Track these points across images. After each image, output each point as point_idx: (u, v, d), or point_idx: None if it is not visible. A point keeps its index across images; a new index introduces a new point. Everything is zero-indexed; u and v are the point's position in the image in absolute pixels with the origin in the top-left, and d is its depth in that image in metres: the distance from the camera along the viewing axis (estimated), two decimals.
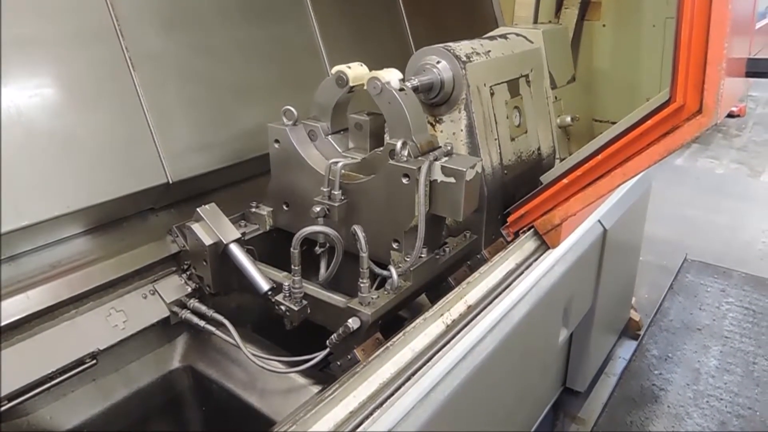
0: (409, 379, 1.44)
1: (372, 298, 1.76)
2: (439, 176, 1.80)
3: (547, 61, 2.84)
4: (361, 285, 1.73)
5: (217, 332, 2.07)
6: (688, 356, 3.74)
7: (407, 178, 1.79)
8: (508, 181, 2.51)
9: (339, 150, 2.05)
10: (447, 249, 2.07)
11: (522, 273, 1.89)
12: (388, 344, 1.46)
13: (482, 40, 2.50)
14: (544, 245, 2.05)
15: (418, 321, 1.53)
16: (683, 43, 1.56)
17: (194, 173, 2.16)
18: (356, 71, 1.96)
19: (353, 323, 1.71)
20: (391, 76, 1.90)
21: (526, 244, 1.99)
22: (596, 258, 2.96)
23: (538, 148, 2.75)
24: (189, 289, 2.21)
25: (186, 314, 2.15)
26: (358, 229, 1.74)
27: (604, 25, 3.68)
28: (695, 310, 4.19)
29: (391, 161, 1.81)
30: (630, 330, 4.12)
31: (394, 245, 1.91)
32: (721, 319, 4.10)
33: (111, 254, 2.06)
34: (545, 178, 2.36)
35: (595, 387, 3.49)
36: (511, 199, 2.39)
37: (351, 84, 1.94)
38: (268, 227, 2.28)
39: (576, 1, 3.63)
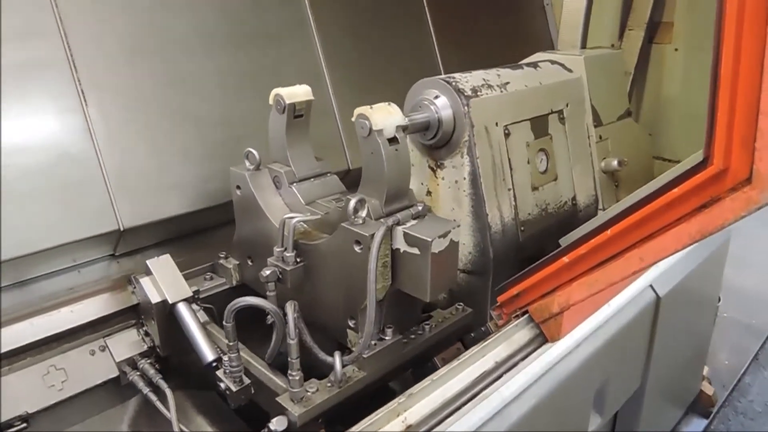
0: None
1: (307, 392, 1.42)
2: (401, 245, 1.44)
3: (590, 94, 2.38)
4: (290, 378, 1.39)
5: (157, 403, 1.80)
6: None
7: (359, 246, 1.44)
8: (526, 238, 2.09)
9: (302, 201, 1.74)
10: (427, 327, 1.69)
11: (499, 377, 1.45)
12: None
13: (502, 69, 2.11)
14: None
15: None
16: (723, 80, 1.12)
17: (150, 219, 1.92)
18: (292, 90, 1.67)
19: (278, 425, 1.38)
20: (386, 120, 1.49)
21: (517, 334, 1.56)
22: (646, 331, 2.43)
23: (573, 198, 2.31)
24: (145, 347, 1.98)
25: (134, 376, 1.91)
26: (289, 308, 1.41)
27: (676, 49, 3.14)
28: None
29: (343, 223, 1.47)
30: (701, 404, 3.48)
31: (351, 323, 1.56)
32: None
33: (54, 306, 1.86)
34: (565, 240, 1.92)
35: None
36: (530, 261, 1.97)
37: (288, 102, 1.64)
38: (234, 282, 2.00)
39: (642, 21, 3.13)
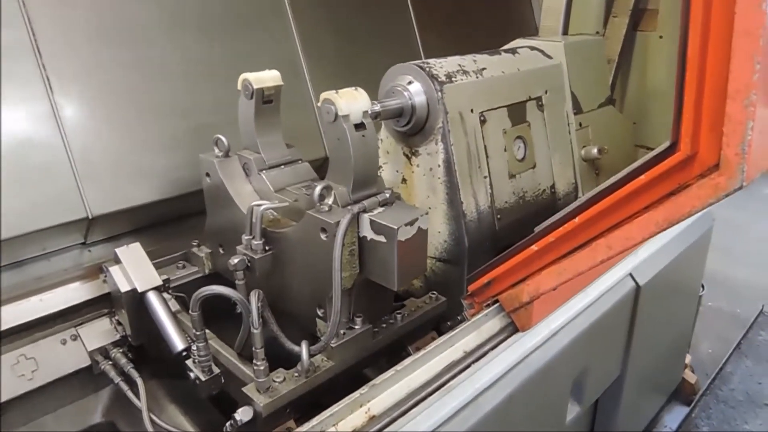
0: None
1: (274, 382, 1.41)
2: (368, 233, 1.42)
3: (570, 81, 2.36)
4: (255, 368, 1.38)
5: (128, 392, 1.78)
6: None
7: (325, 233, 1.42)
8: (503, 227, 2.07)
9: (271, 188, 1.71)
10: (399, 316, 1.68)
11: (467, 367, 1.44)
12: None
13: (479, 55, 2.08)
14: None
15: None
16: (691, 62, 1.10)
17: (119, 207, 1.89)
18: (260, 75, 1.64)
19: (243, 414, 1.36)
20: (352, 106, 1.45)
21: (487, 323, 1.54)
22: (625, 320, 2.43)
23: (552, 186, 2.29)
24: (117, 336, 1.96)
25: (106, 365, 1.89)
26: (253, 297, 1.39)
27: (660, 37, 3.11)
28: (765, 379, 3.48)
29: (308, 210, 1.45)
30: (683, 392, 3.49)
31: (319, 312, 1.54)
32: None
33: (23, 295, 1.84)
34: (539, 228, 1.90)
35: None
36: (507, 249, 1.96)
37: (256, 87, 1.61)
38: (207, 271, 1.98)
39: (626, 8, 3.09)
